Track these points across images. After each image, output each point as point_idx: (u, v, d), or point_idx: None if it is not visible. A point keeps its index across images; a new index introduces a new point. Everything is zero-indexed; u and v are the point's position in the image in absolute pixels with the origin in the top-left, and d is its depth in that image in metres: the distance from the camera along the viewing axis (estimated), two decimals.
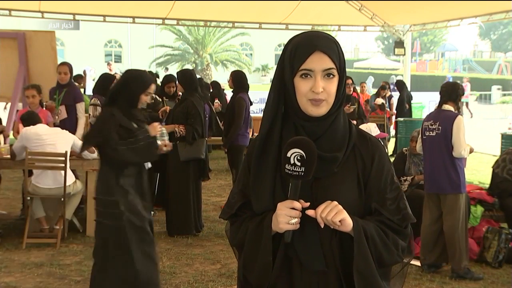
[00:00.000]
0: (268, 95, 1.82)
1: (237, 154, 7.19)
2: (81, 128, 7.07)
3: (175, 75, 7.52)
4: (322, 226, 1.69)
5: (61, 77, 7.13)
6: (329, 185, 1.75)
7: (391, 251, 1.76)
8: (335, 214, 1.67)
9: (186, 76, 6.42)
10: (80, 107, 7.16)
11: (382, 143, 1.95)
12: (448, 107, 5.17)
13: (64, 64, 7.26)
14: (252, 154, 1.83)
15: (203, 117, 6.33)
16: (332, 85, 1.74)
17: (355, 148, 1.81)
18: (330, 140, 1.76)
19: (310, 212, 1.69)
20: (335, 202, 1.69)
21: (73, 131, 6.74)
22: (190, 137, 6.18)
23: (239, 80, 7.31)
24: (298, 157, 1.66)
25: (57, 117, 7.01)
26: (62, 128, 6.42)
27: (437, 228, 5.26)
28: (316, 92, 1.71)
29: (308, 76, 1.73)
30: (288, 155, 1.67)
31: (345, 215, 1.68)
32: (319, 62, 1.72)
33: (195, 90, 6.35)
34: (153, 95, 6.72)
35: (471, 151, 5.25)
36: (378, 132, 6.75)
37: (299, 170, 1.67)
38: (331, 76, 1.73)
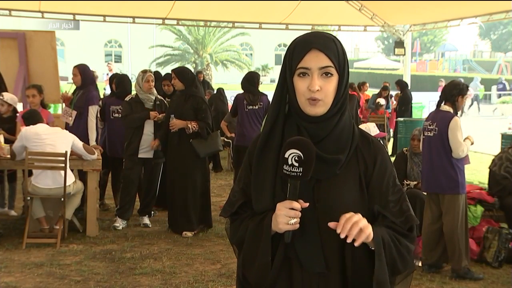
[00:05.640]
0: (273, 95, 1.82)
1: (241, 154, 7.21)
2: (92, 132, 6.75)
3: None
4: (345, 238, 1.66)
5: (72, 79, 6.98)
6: (330, 187, 1.74)
7: (405, 258, 1.75)
8: (360, 233, 1.63)
9: (187, 73, 6.45)
10: (92, 110, 6.75)
11: (382, 143, 1.94)
12: (446, 107, 5.17)
13: (75, 66, 6.95)
14: (253, 152, 1.83)
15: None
16: (330, 85, 1.71)
17: (357, 150, 1.79)
18: (334, 142, 1.75)
19: (333, 226, 1.66)
20: (357, 216, 1.65)
21: (84, 134, 6.59)
22: (205, 132, 6.28)
23: (242, 81, 7.53)
24: (296, 158, 1.65)
25: (70, 118, 6.88)
26: (74, 131, 6.36)
27: (438, 227, 5.26)
28: (312, 90, 1.69)
29: (306, 75, 1.71)
30: (286, 155, 1.67)
31: (369, 230, 1.66)
32: (315, 60, 1.70)
33: (196, 87, 6.42)
34: (159, 97, 6.74)
35: (471, 143, 5.22)
36: (378, 131, 6.75)
37: (297, 170, 1.66)
38: (329, 75, 1.71)
